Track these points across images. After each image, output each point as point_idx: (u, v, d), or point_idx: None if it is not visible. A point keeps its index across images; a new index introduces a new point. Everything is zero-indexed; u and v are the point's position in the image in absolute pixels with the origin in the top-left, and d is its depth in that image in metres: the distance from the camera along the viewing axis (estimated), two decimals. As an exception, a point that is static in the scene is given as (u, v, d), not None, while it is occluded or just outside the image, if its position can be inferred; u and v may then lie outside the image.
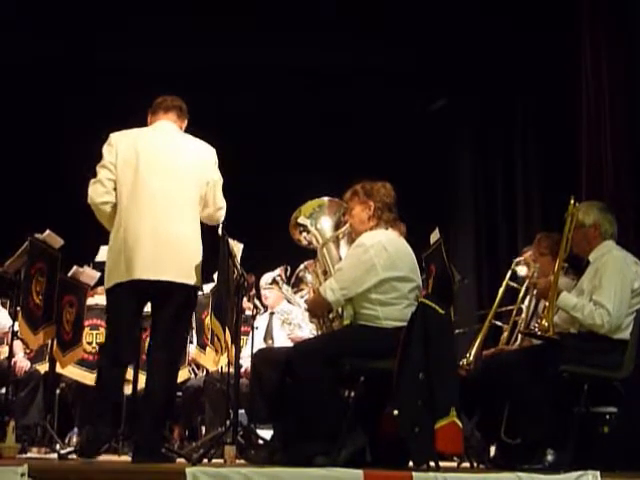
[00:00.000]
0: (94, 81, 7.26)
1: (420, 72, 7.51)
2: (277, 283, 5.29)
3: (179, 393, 6.02)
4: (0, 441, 4.07)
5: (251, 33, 7.01)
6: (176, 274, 3.84)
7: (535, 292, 4.31)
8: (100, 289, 5.16)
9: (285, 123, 7.49)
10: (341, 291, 3.85)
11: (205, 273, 5.04)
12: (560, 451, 3.64)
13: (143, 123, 4.16)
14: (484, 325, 4.44)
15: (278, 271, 5.26)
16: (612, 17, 5.91)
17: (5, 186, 7.08)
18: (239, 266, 4.49)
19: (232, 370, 4.89)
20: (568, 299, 3.91)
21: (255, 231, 6.09)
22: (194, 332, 5.82)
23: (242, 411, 5.03)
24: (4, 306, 5.69)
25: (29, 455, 4.76)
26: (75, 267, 5.21)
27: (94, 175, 3.95)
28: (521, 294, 4.59)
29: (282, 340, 5.96)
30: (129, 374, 5.13)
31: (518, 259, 4.79)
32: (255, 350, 4.77)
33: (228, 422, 4.71)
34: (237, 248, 4.67)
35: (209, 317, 5.30)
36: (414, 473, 3.18)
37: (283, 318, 6.03)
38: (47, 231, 4.69)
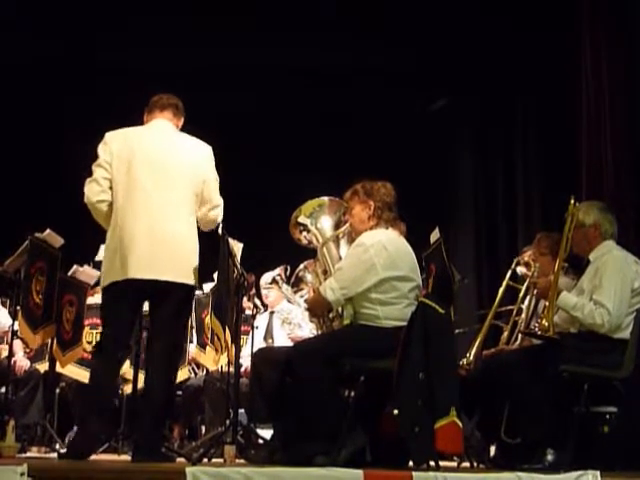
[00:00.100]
0: (94, 81, 7.26)
1: (420, 72, 7.51)
2: (277, 283, 5.28)
3: (179, 392, 6.02)
4: (0, 440, 4.07)
5: (251, 33, 7.01)
6: (172, 273, 3.83)
7: (535, 292, 4.31)
8: (100, 288, 5.16)
9: (285, 123, 7.50)
10: (341, 290, 3.85)
11: (205, 273, 5.06)
12: (560, 451, 3.64)
13: (143, 123, 4.16)
14: (484, 325, 4.44)
15: (278, 271, 5.26)
16: (612, 17, 5.91)
17: (5, 186, 7.08)
18: (239, 266, 4.49)
19: (232, 369, 4.90)
20: (568, 299, 3.91)
21: (255, 231, 6.10)
22: (194, 331, 5.83)
23: (242, 411, 5.04)
24: (4, 305, 5.69)
25: (29, 454, 4.76)
26: (75, 266, 5.22)
27: (90, 174, 3.95)
28: (521, 294, 4.59)
29: (282, 340, 5.96)
30: (129, 374, 5.16)
31: (518, 259, 4.79)
32: (255, 349, 4.77)
33: (228, 422, 4.71)
34: (237, 248, 4.67)
35: (209, 316, 5.31)
36: (414, 473, 3.17)
37: (283, 317, 6.04)
38: (47, 230, 4.69)
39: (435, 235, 4.37)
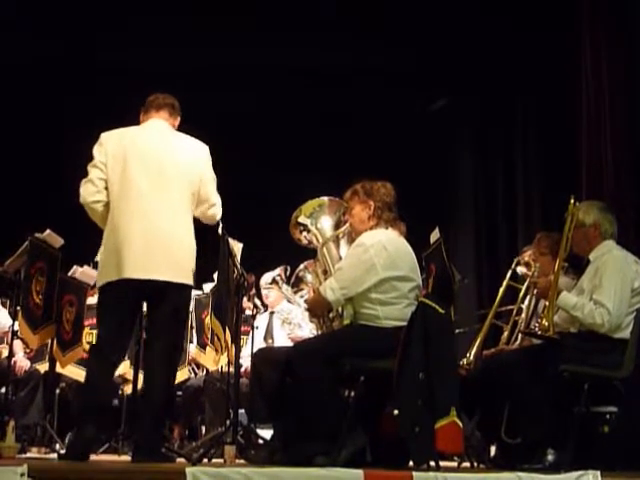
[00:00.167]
0: (94, 81, 7.26)
1: (420, 72, 7.51)
2: (277, 283, 5.28)
3: (179, 393, 6.03)
4: (0, 441, 4.06)
5: (251, 33, 7.01)
6: (169, 273, 3.82)
7: (535, 291, 4.31)
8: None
9: (285, 123, 7.50)
10: (341, 290, 3.85)
11: (205, 273, 5.06)
12: (560, 451, 3.64)
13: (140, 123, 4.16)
14: (484, 325, 4.44)
15: (278, 271, 5.26)
16: (612, 17, 5.91)
17: (5, 186, 7.08)
18: (239, 266, 4.49)
19: (232, 370, 4.90)
20: (568, 298, 3.91)
21: (255, 231, 6.10)
22: (194, 331, 5.83)
23: (242, 411, 5.04)
24: (4, 306, 5.69)
25: (29, 455, 4.76)
26: (75, 266, 5.22)
27: (86, 175, 3.95)
28: (521, 294, 4.59)
29: (282, 340, 5.96)
30: (129, 374, 5.16)
31: (518, 259, 4.79)
32: (255, 350, 4.76)
33: (228, 422, 4.71)
34: (237, 248, 4.67)
35: (209, 317, 5.31)
36: (414, 473, 3.17)
37: (283, 318, 6.04)
38: (47, 231, 4.69)
39: (435, 235, 4.37)
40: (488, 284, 7.25)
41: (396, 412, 3.58)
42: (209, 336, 5.40)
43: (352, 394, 3.95)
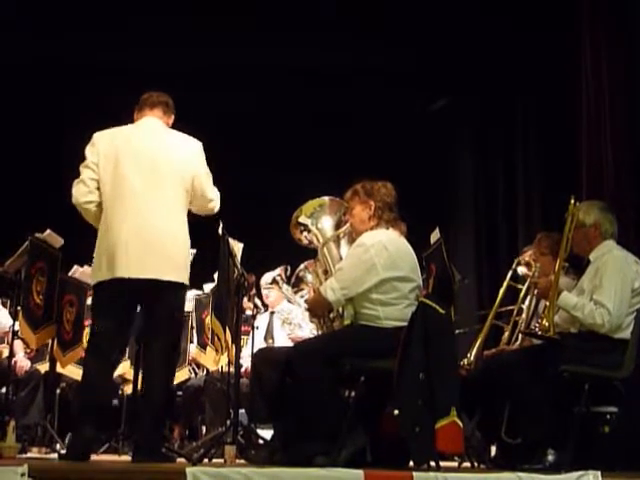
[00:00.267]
0: (94, 81, 7.25)
1: (420, 72, 7.51)
2: (277, 283, 5.29)
3: (179, 393, 6.03)
4: (0, 441, 4.06)
5: (251, 33, 7.01)
6: (163, 272, 3.81)
7: (536, 292, 4.31)
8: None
9: (285, 123, 7.49)
10: (342, 291, 3.85)
11: (205, 273, 5.06)
12: (561, 451, 3.64)
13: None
14: (485, 325, 4.44)
15: (278, 271, 5.26)
16: (612, 17, 5.91)
17: (5, 186, 7.08)
18: (239, 266, 4.49)
19: (232, 370, 4.90)
20: (568, 299, 3.91)
21: (255, 231, 6.09)
22: (194, 331, 5.83)
23: (242, 411, 5.04)
24: (4, 306, 5.69)
25: (29, 455, 4.75)
26: (75, 266, 5.22)
27: (78, 176, 3.96)
28: (522, 294, 4.60)
29: (282, 340, 5.96)
30: (129, 374, 5.16)
31: (519, 259, 4.79)
32: (255, 350, 4.76)
33: (228, 422, 4.71)
34: (237, 248, 4.67)
35: (209, 317, 5.31)
36: (415, 473, 3.17)
37: (283, 318, 6.04)
38: (47, 231, 4.69)
39: (435, 235, 4.37)
40: (488, 284, 7.25)
41: (396, 412, 3.58)
42: (209, 336, 5.40)
43: (352, 394, 3.95)
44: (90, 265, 5.26)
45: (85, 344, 5.28)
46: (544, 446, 3.65)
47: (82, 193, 3.92)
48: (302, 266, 4.52)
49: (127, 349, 5.20)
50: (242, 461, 4.05)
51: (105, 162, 3.89)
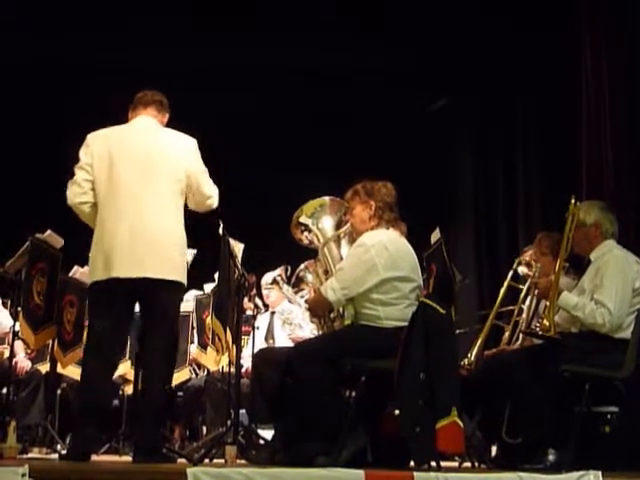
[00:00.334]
0: (94, 81, 7.25)
1: (420, 72, 7.51)
2: (278, 283, 5.29)
3: (180, 393, 6.03)
4: (1, 441, 4.06)
5: (251, 33, 7.01)
6: (158, 270, 3.80)
7: (536, 292, 4.31)
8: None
9: (285, 123, 7.49)
10: (342, 291, 3.85)
11: (206, 273, 5.05)
12: (561, 451, 3.64)
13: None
14: (485, 325, 4.44)
15: (279, 271, 5.26)
16: (612, 17, 5.91)
17: (5, 186, 7.08)
18: (240, 266, 4.49)
19: (233, 370, 4.90)
20: (569, 298, 3.91)
21: (256, 231, 6.10)
22: (195, 332, 5.83)
23: (243, 411, 5.04)
24: (5, 306, 5.69)
25: (30, 455, 4.75)
26: (76, 267, 5.21)
27: (72, 177, 3.96)
28: (522, 294, 4.60)
29: (283, 340, 5.96)
30: (130, 374, 5.16)
31: (519, 259, 4.79)
32: (256, 350, 4.76)
33: (229, 422, 4.71)
34: (238, 248, 4.67)
35: (210, 317, 5.31)
36: (415, 473, 3.17)
37: (284, 318, 6.03)
38: (48, 231, 4.69)
39: (436, 235, 4.38)
40: (489, 284, 7.25)
41: (397, 412, 3.58)
42: (210, 336, 5.40)
43: (353, 394, 3.95)
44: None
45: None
46: (545, 446, 3.65)
47: (76, 194, 3.93)
48: (302, 266, 4.52)
49: (127, 349, 5.20)
50: (243, 461, 4.05)
51: (99, 162, 3.89)
